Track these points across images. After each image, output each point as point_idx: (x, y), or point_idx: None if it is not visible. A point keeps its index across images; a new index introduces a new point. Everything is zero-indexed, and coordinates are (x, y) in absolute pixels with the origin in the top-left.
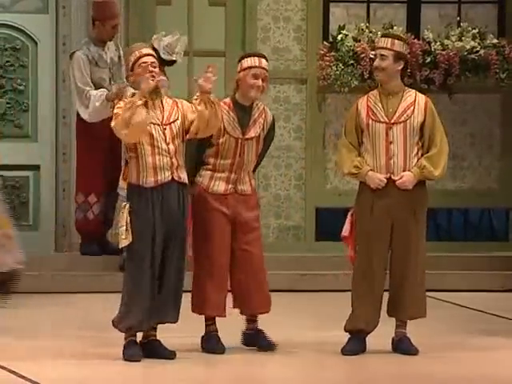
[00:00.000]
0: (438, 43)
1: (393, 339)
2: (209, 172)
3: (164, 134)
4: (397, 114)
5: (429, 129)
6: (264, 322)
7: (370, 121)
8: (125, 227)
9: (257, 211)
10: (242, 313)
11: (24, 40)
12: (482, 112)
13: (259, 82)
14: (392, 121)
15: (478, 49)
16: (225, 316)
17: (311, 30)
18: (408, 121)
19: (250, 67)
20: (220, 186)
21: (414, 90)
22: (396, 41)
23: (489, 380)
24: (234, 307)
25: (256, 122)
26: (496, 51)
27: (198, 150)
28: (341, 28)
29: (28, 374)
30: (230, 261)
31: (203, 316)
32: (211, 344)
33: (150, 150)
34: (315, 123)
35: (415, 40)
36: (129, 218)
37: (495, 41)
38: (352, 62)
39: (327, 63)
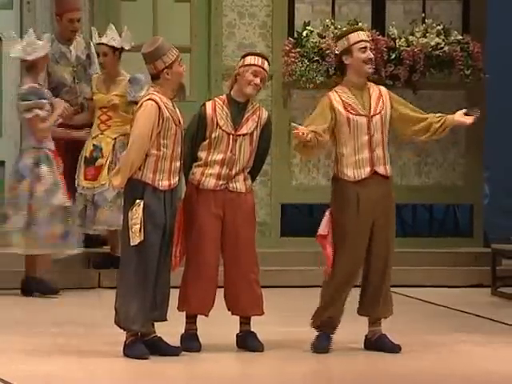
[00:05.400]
0: (403, 39)
1: (367, 337)
2: (200, 168)
3: (181, 137)
4: (373, 106)
5: (398, 106)
6: (229, 318)
7: (351, 115)
8: (139, 226)
9: (251, 210)
10: (232, 313)
11: None
12: (446, 108)
13: (257, 80)
14: (371, 113)
15: (442, 45)
16: (207, 315)
17: (276, 26)
18: (383, 111)
19: (251, 65)
20: (210, 182)
21: (371, 83)
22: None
23: (454, 375)
24: (227, 307)
25: (249, 120)
26: (460, 47)
27: (191, 144)
28: (306, 24)
29: None
30: (221, 259)
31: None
32: (188, 342)
33: (170, 154)
34: (280, 119)
35: (380, 36)
36: (143, 216)
37: (460, 37)
38: (317, 58)
39: (292, 59)
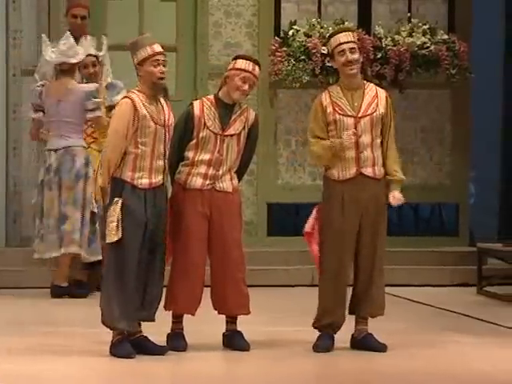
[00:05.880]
0: (389, 39)
1: (353, 336)
2: (187, 168)
3: (164, 135)
4: (363, 108)
5: (387, 121)
6: (216, 318)
7: (337, 115)
8: (116, 223)
9: (237, 209)
10: (219, 313)
11: None
12: (432, 107)
13: (246, 86)
14: (359, 114)
15: (428, 44)
16: (193, 315)
17: (263, 26)
18: (374, 113)
19: (242, 70)
20: (197, 181)
21: (372, 84)
22: (355, 33)
23: (443, 375)
24: (213, 307)
25: (237, 121)
26: (446, 47)
27: (179, 144)
28: (292, 23)
29: None
30: (207, 258)
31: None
32: (174, 341)
33: (150, 153)
34: (267, 119)
35: (366, 36)
36: (120, 214)
37: (445, 37)
38: (303, 57)
39: (279, 59)
